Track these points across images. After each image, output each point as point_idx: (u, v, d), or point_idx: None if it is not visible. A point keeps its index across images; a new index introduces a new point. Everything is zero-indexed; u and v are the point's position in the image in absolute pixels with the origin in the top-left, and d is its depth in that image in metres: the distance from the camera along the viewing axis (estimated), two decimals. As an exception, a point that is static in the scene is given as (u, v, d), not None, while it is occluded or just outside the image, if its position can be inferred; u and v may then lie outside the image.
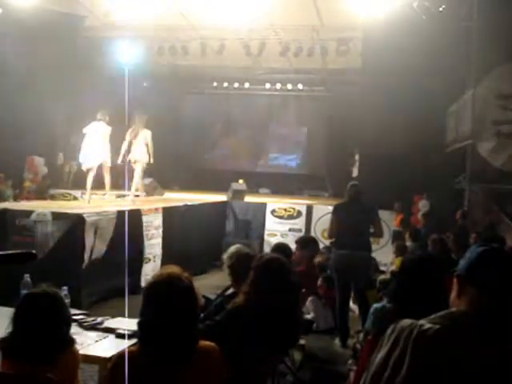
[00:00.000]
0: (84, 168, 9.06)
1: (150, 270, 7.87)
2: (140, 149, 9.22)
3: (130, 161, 9.21)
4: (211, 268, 9.20)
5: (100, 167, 9.05)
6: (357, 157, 13.35)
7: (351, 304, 6.40)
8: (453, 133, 10.14)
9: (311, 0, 11.56)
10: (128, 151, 9.26)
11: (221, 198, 11.87)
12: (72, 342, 2.50)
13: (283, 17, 12.27)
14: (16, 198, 11.94)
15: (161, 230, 8.40)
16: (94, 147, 8.76)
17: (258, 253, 6.02)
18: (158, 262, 8.22)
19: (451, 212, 8.79)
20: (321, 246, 8.90)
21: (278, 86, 16.55)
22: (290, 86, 16.55)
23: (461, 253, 5.26)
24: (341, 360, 5.17)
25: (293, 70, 15.64)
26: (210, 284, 6.80)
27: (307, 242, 6.17)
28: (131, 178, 9.45)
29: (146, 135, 9.29)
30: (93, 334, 3.25)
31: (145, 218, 8.08)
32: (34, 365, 2.29)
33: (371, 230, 6.16)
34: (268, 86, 16.67)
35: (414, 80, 9.94)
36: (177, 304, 2.12)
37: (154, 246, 8.24)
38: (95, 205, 8.57)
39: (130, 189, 9.52)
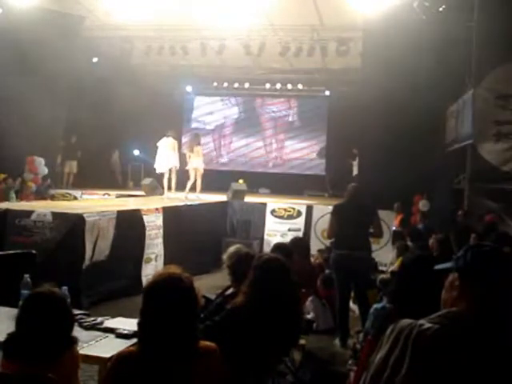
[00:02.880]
0: (158, 172, 11.61)
1: (152, 269, 7.87)
2: (196, 160, 11.60)
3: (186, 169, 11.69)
4: (211, 268, 9.20)
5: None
6: (356, 157, 13.36)
7: (351, 304, 6.40)
8: (453, 133, 10.13)
9: (311, 0, 11.56)
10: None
11: (221, 197, 11.87)
12: (74, 341, 2.50)
13: (283, 17, 12.27)
14: (17, 198, 11.96)
15: (162, 230, 8.41)
16: (164, 157, 11.23)
17: (257, 253, 6.01)
18: (160, 261, 8.22)
19: (451, 212, 8.79)
20: (321, 246, 8.94)
21: (278, 86, 16.56)
22: (289, 86, 16.56)
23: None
24: (341, 360, 5.17)
25: (293, 70, 15.65)
26: (210, 284, 6.79)
27: (298, 243, 6.16)
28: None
29: (199, 149, 11.80)
30: (93, 334, 3.25)
31: (146, 218, 8.08)
32: (34, 365, 2.29)
33: (371, 230, 6.15)
34: (268, 86, 16.68)
35: (413, 80, 9.93)
36: (177, 304, 2.11)
37: (156, 245, 8.25)
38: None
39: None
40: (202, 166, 11.77)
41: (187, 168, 11.73)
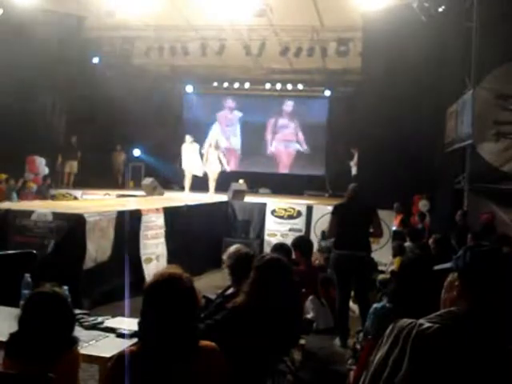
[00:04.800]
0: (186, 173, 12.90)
1: (153, 269, 7.87)
2: (215, 161, 12.69)
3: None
4: (211, 268, 9.21)
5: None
6: (355, 157, 13.36)
7: (351, 304, 6.40)
8: (453, 133, 10.12)
9: (311, 0, 11.57)
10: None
11: (221, 197, 11.88)
12: (75, 341, 2.51)
13: (283, 17, 12.28)
14: (17, 198, 11.97)
15: (163, 230, 8.42)
16: (187, 160, 12.67)
17: (258, 253, 6.01)
18: (162, 261, 8.23)
19: (451, 212, 8.78)
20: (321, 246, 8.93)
21: (278, 86, 16.56)
22: (289, 86, 16.55)
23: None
24: (341, 360, 5.17)
25: (293, 70, 15.65)
26: (210, 284, 6.81)
27: (301, 243, 6.16)
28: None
29: (219, 153, 12.90)
30: (93, 334, 3.25)
31: (146, 218, 8.08)
32: (35, 364, 2.30)
33: (371, 230, 6.15)
34: (268, 86, 16.68)
35: (413, 80, 9.93)
36: (177, 304, 2.12)
37: (156, 245, 8.25)
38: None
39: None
40: (217, 169, 12.76)
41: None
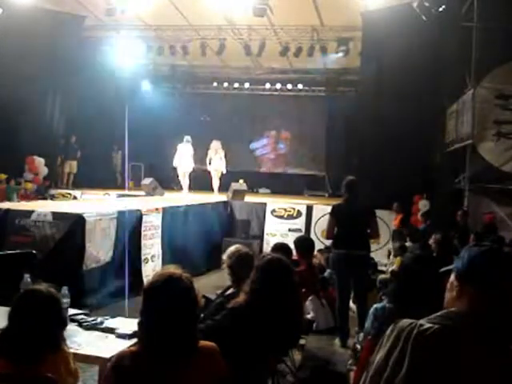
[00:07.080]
0: (178, 172, 13.22)
1: (151, 270, 7.87)
2: (217, 162, 13.00)
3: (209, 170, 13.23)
4: (211, 268, 9.20)
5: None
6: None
7: (351, 304, 6.40)
8: (453, 133, 10.12)
9: (311, 0, 11.57)
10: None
11: (221, 198, 11.88)
12: (59, 343, 2.46)
13: (283, 17, 12.28)
14: (17, 198, 11.97)
15: (160, 230, 8.39)
16: (179, 159, 12.95)
17: (257, 253, 6.01)
18: (158, 261, 8.21)
19: (451, 212, 8.79)
20: (321, 246, 8.93)
21: (278, 86, 16.55)
22: (289, 86, 16.55)
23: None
24: (341, 360, 5.17)
25: (293, 70, 15.66)
26: (210, 284, 6.80)
27: (303, 242, 6.15)
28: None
29: (222, 153, 13.10)
30: (93, 334, 3.25)
31: (145, 218, 8.07)
32: (19, 363, 2.27)
33: (368, 231, 6.14)
34: (268, 86, 16.67)
35: (413, 80, 9.93)
36: (177, 304, 2.12)
37: (153, 245, 8.23)
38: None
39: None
40: (221, 168, 13.07)
41: (209, 169, 13.06)
